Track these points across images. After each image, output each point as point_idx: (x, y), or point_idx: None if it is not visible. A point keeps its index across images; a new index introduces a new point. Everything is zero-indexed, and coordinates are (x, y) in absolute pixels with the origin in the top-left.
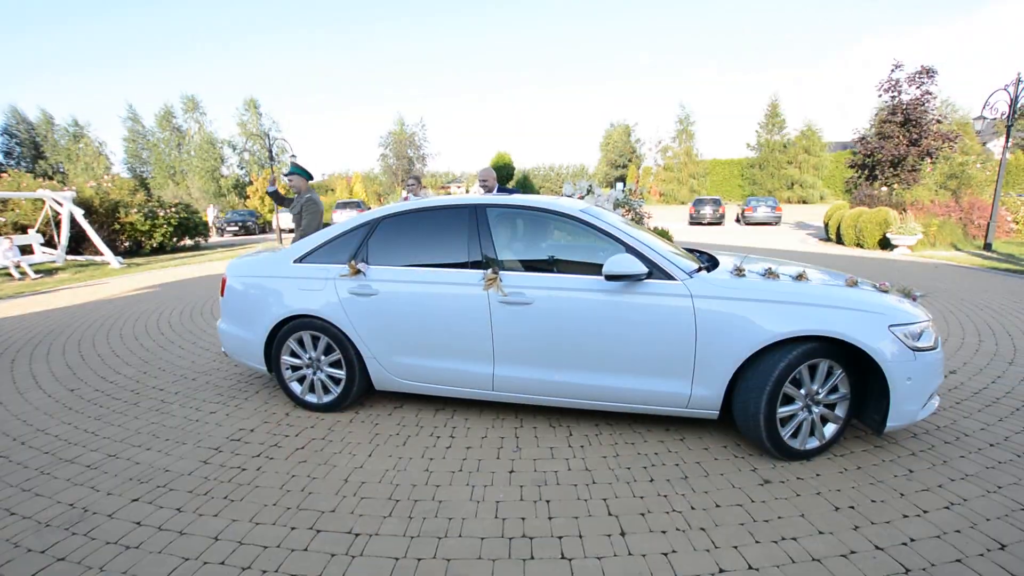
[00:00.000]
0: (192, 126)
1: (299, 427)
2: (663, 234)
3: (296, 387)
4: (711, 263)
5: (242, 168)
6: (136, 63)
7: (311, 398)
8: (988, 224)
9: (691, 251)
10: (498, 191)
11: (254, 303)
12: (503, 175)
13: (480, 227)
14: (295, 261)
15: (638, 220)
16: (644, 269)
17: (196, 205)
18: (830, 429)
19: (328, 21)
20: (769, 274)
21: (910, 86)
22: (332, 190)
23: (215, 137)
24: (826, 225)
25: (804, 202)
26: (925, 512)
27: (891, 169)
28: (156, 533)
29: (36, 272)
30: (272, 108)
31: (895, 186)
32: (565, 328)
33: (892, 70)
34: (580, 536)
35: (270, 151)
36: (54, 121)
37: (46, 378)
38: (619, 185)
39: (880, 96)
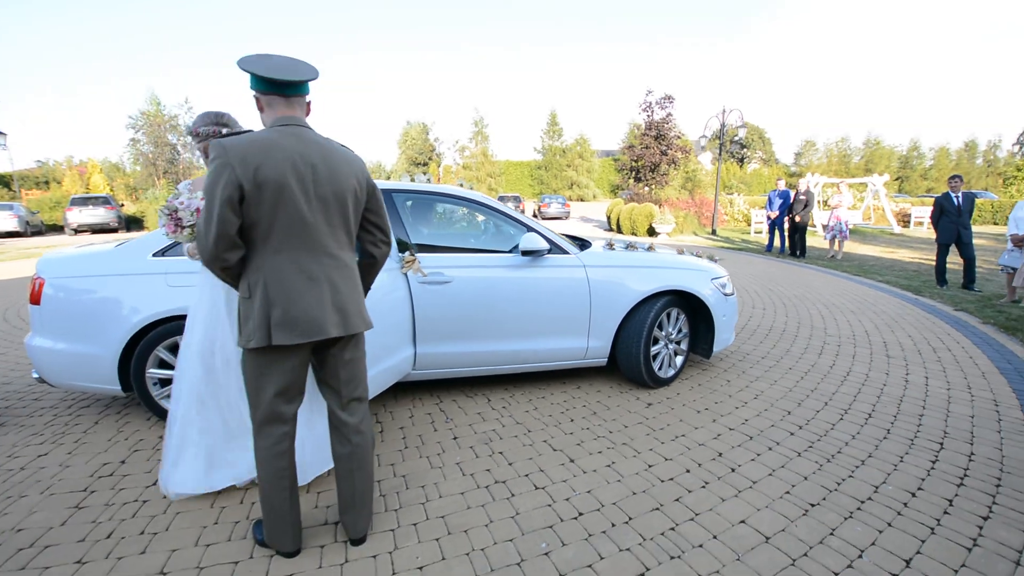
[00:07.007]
0: None
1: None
2: None
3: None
4: (583, 244)
5: None
6: None
7: None
8: (712, 216)
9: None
10: None
11: (97, 309)
12: None
13: (392, 213)
14: (155, 254)
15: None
16: (547, 245)
17: None
18: (680, 360)
19: None
20: (630, 247)
21: (659, 108)
22: (58, 182)
23: None
24: (608, 217)
25: (582, 200)
26: (745, 403)
27: (651, 173)
28: None
29: None
30: None
31: (653, 186)
32: (483, 302)
33: (647, 94)
34: (541, 470)
35: None
36: None
37: None
38: (421, 176)
39: (640, 114)
